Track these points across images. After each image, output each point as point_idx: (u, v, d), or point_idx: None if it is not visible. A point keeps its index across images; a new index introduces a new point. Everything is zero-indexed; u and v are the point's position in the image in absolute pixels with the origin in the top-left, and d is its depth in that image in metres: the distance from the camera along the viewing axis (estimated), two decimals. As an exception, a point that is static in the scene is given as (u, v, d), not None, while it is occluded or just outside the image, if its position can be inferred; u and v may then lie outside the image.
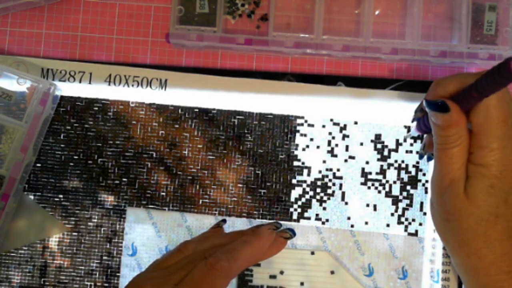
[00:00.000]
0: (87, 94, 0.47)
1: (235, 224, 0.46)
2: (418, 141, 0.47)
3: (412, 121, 0.45)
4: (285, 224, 0.46)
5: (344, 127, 0.47)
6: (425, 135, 0.45)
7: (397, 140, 0.47)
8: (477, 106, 0.37)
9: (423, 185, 0.47)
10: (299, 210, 0.46)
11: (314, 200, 0.46)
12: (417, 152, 0.47)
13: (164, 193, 0.47)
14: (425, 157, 0.45)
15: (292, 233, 0.43)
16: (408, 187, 0.46)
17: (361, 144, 0.47)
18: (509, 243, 0.38)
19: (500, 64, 0.32)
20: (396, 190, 0.46)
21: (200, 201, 0.47)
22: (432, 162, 0.46)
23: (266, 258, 0.42)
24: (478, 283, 0.39)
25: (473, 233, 0.38)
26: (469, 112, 0.38)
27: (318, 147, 0.47)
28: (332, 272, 0.45)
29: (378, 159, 0.47)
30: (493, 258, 0.38)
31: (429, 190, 0.46)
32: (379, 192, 0.46)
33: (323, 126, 0.47)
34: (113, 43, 0.48)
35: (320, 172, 0.47)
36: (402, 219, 0.46)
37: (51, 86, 0.45)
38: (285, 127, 0.47)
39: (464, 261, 0.39)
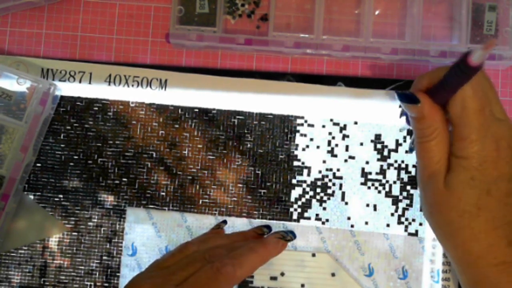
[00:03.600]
0: (87, 94, 0.47)
1: (235, 224, 0.46)
2: (418, 141, 0.47)
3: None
4: (285, 224, 0.46)
5: (344, 127, 0.47)
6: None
7: (397, 140, 0.47)
8: (453, 97, 0.37)
9: (423, 185, 0.47)
10: (299, 210, 0.46)
11: (314, 200, 0.46)
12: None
13: (164, 193, 0.46)
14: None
15: (292, 235, 0.43)
16: (408, 187, 0.46)
17: (361, 144, 0.47)
18: (495, 234, 0.37)
19: (459, 59, 0.32)
20: (396, 190, 0.46)
21: (200, 201, 0.46)
22: None
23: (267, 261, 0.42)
24: (467, 274, 0.39)
25: (457, 226, 0.38)
26: (447, 104, 0.38)
27: (318, 147, 0.47)
28: (333, 274, 0.45)
29: (378, 159, 0.47)
30: (479, 250, 0.37)
31: None
32: (379, 192, 0.46)
33: (323, 126, 0.47)
34: (113, 43, 0.48)
35: (320, 172, 0.47)
36: (402, 219, 0.46)
37: (51, 86, 0.45)
38: (285, 127, 0.47)
39: (452, 252, 0.39)
